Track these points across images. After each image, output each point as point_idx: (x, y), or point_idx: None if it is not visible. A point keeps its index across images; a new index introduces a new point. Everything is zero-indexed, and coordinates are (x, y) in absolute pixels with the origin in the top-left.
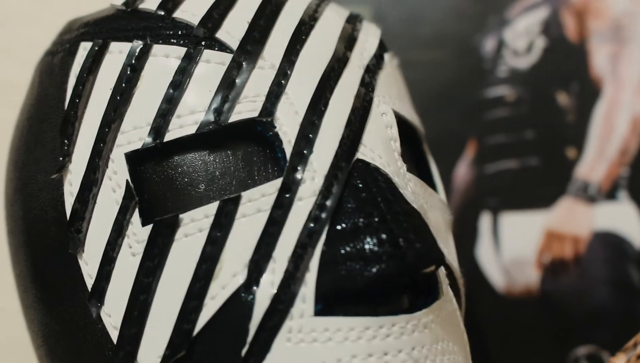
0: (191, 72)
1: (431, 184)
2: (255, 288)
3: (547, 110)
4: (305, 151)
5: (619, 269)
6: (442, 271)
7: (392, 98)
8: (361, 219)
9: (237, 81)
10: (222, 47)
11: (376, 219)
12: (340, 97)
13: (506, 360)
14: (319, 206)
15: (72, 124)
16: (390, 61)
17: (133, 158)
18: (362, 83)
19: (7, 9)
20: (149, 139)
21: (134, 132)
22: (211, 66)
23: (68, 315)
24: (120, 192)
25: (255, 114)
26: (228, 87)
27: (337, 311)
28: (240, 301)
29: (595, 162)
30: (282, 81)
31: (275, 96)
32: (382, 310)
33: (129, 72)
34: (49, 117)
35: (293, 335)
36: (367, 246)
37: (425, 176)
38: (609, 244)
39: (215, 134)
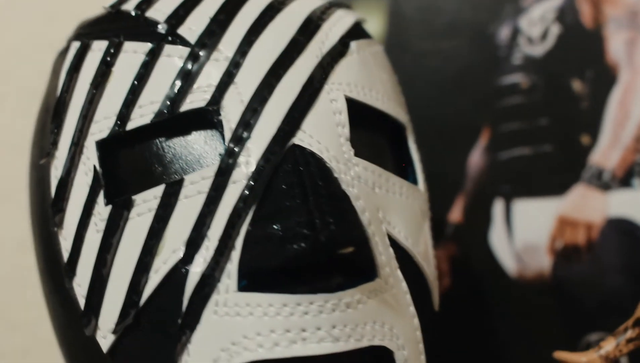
0: (154, 66)
1: (406, 172)
2: (190, 263)
3: (562, 97)
4: (243, 136)
5: (632, 256)
6: (388, 254)
7: (352, 85)
8: (286, 202)
9: (192, 72)
10: (183, 42)
11: (298, 202)
12: (287, 84)
13: (517, 345)
14: (249, 188)
15: (60, 115)
16: (362, 48)
17: (101, 145)
18: (315, 71)
19: (56, 6)
20: (115, 128)
21: (104, 122)
22: (171, 60)
23: (56, 286)
24: (91, 176)
25: (205, 103)
26: (183, 79)
27: (259, 288)
28: (178, 275)
29: (609, 149)
30: (233, 71)
31: (224, 85)
32: (301, 289)
33: (103, 68)
34: (50, 109)
35: (219, 308)
36: (285, 227)
37: (401, 163)
38: (623, 231)
39: (169, 123)
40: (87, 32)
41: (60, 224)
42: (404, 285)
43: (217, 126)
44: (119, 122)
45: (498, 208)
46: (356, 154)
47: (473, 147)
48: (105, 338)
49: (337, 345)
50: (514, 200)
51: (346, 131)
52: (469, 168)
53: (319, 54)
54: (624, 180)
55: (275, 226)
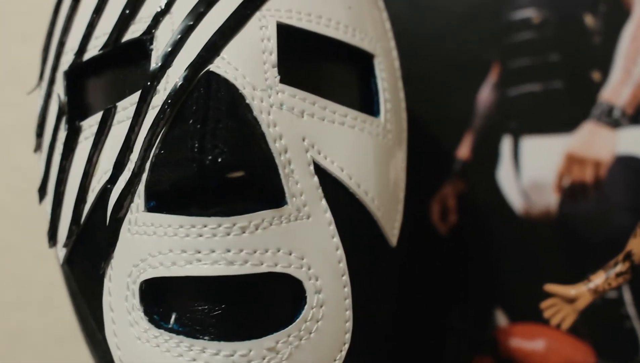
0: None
1: (370, 102)
2: (114, 184)
3: (573, 32)
4: (165, 64)
5: None
6: (309, 182)
7: (293, 12)
8: (189, 127)
9: (136, 4)
10: None
11: (198, 127)
12: (216, 12)
13: (522, 282)
14: (162, 112)
15: (47, 49)
16: None
17: (66, 75)
18: None
19: None
20: (75, 59)
21: (70, 54)
22: None
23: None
24: (58, 104)
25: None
26: (130, 10)
27: (164, 209)
28: (106, 194)
29: (620, 85)
30: (171, 1)
31: (161, 15)
32: (199, 211)
33: (73, 2)
34: None
35: (131, 226)
36: (182, 151)
37: (363, 93)
38: (631, 169)
39: (114, 52)
40: None
41: (39, 148)
42: (327, 215)
43: (150, 54)
44: (78, 54)
45: (506, 144)
46: (288, 82)
47: (482, 83)
48: (61, 251)
49: (231, 268)
50: (522, 137)
51: (273, 57)
52: (478, 104)
53: None
54: (634, 117)
55: (174, 150)
